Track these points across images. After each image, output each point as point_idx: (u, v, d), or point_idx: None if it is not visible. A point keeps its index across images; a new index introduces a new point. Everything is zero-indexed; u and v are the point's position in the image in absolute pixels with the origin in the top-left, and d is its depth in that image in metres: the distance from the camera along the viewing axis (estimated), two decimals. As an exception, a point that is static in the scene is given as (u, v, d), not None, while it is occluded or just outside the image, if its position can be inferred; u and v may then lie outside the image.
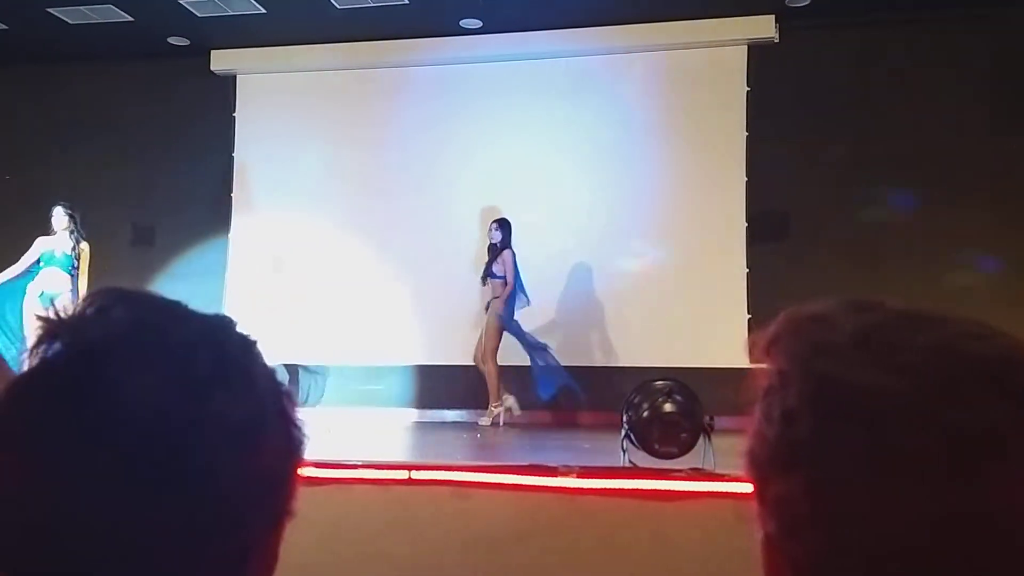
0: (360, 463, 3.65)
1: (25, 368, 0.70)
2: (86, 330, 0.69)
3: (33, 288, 7.70)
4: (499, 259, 7.62)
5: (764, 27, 7.93)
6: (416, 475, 3.54)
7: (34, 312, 7.64)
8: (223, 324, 0.74)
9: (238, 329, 0.75)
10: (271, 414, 0.72)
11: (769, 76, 7.94)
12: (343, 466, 3.69)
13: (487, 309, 7.69)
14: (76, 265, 7.77)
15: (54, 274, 7.69)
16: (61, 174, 8.77)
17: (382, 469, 3.63)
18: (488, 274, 7.68)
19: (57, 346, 0.68)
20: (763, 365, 0.70)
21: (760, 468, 0.70)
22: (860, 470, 0.62)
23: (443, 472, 3.56)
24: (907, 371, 0.63)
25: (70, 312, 0.71)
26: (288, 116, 8.90)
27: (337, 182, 8.76)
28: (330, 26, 8.26)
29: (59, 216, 7.74)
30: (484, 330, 7.64)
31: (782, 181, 7.86)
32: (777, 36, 7.95)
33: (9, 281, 7.74)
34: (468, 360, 7.76)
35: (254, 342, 0.75)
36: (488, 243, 7.81)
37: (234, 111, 9.04)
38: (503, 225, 7.72)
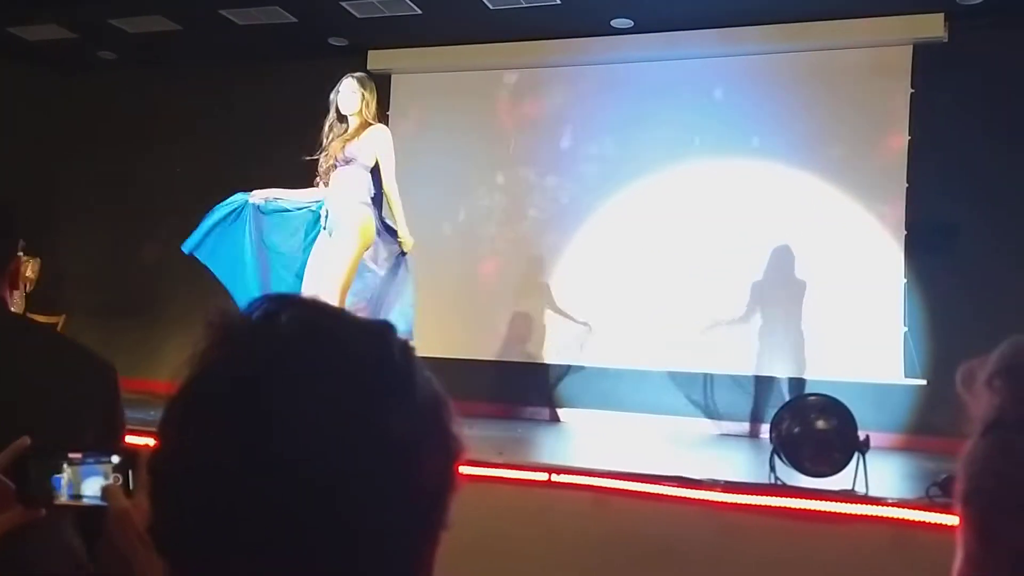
0: (501, 463, 3.67)
1: (191, 373, 0.70)
2: (253, 338, 0.69)
3: None
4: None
5: (932, 26, 7.51)
6: (556, 478, 3.54)
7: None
8: (386, 330, 0.73)
9: (398, 335, 0.75)
10: (430, 425, 0.71)
11: (936, 78, 7.52)
12: (485, 464, 3.71)
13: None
14: None
15: None
16: (226, 167, 9.18)
17: (522, 470, 3.64)
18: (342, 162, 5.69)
19: (225, 353, 0.68)
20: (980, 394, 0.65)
21: (990, 506, 0.64)
22: None
23: (584, 477, 3.53)
24: None
25: (236, 317, 0.71)
26: (440, 115, 9.05)
27: (485, 179, 8.84)
28: (483, 26, 8.35)
29: None
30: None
31: (946, 189, 7.44)
32: (946, 36, 7.53)
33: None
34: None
35: (413, 348, 0.75)
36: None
37: (388, 110, 9.26)
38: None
